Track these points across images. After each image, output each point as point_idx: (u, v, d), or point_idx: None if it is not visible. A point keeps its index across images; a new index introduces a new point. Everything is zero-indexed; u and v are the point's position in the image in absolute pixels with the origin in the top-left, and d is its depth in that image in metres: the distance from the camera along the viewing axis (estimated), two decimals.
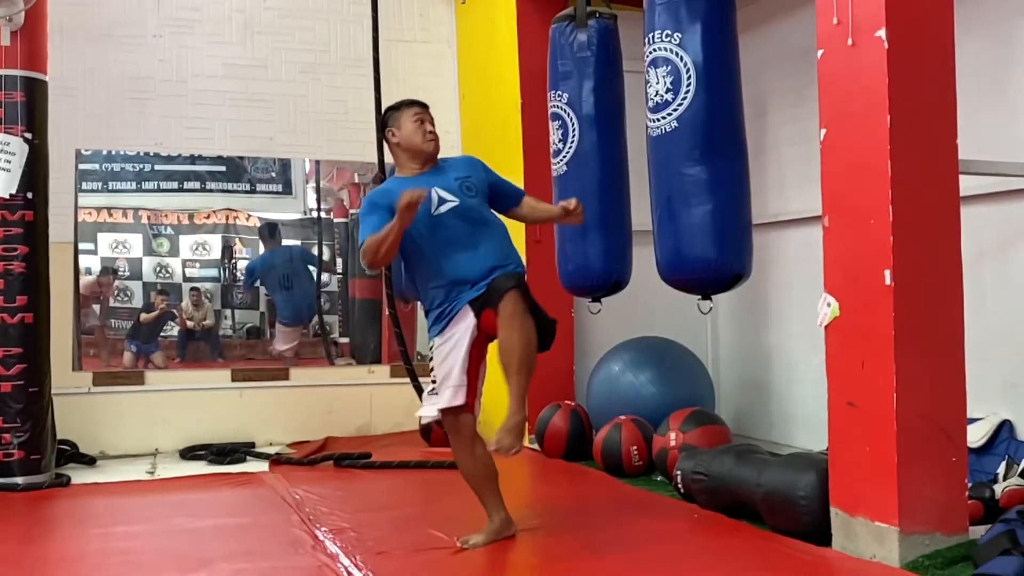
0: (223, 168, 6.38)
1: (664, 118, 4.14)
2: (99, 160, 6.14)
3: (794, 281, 5.16)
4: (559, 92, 4.98)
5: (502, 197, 3.63)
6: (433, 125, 3.54)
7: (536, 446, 5.30)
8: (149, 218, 6.31)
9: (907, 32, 3.03)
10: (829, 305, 3.21)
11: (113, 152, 6.16)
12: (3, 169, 4.77)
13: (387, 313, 5.84)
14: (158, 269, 6.32)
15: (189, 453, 5.68)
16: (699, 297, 4.32)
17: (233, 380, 6.20)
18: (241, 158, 6.40)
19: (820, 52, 3.26)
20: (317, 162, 6.62)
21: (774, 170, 5.34)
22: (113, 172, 6.18)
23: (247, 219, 6.49)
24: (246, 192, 6.45)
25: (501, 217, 3.62)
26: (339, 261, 6.72)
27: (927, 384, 3.02)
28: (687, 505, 3.89)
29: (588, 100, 4.90)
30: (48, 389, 4.91)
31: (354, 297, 6.70)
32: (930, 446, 3.01)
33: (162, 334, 6.30)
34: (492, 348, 3.42)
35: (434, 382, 3.41)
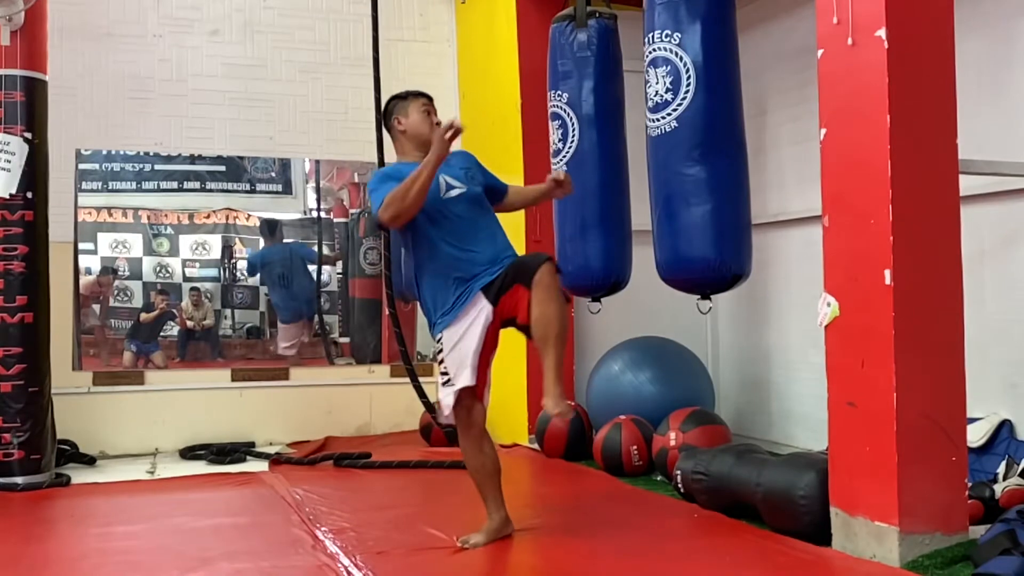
0: (223, 168, 6.38)
1: (664, 118, 4.14)
2: (99, 160, 6.14)
3: (794, 281, 5.16)
4: (559, 92, 4.98)
5: (493, 191, 3.68)
6: (438, 118, 3.60)
7: (536, 446, 5.30)
8: (149, 218, 6.31)
9: (907, 32, 3.03)
10: (829, 305, 3.21)
11: (113, 152, 6.16)
12: (3, 169, 4.77)
13: (387, 313, 5.84)
14: (158, 269, 6.32)
15: (189, 453, 5.68)
16: (698, 297, 4.32)
17: (233, 380, 6.20)
18: (241, 158, 6.40)
19: (820, 51, 3.26)
20: (317, 162, 6.62)
21: (774, 169, 5.34)
22: (113, 172, 6.18)
23: (247, 219, 6.49)
24: (246, 192, 6.46)
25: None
26: (338, 260, 6.72)
27: (927, 384, 3.02)
28: (687, 505, 3.89)
29: (588, 100, 4.90)
30: (48, 389, 4.91)
31: (354, 297, 6.70)
32: (930, 446, 3.01)
33: (162, 334, 6.30)
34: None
35: (445, 373, 3.38)
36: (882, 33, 3.00)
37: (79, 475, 5.03)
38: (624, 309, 5.37)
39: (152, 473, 5.20)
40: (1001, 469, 3.70)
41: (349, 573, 3.09)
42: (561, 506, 4.11)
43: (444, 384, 3.39)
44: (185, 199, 6.35)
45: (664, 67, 4.13)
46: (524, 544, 3.47)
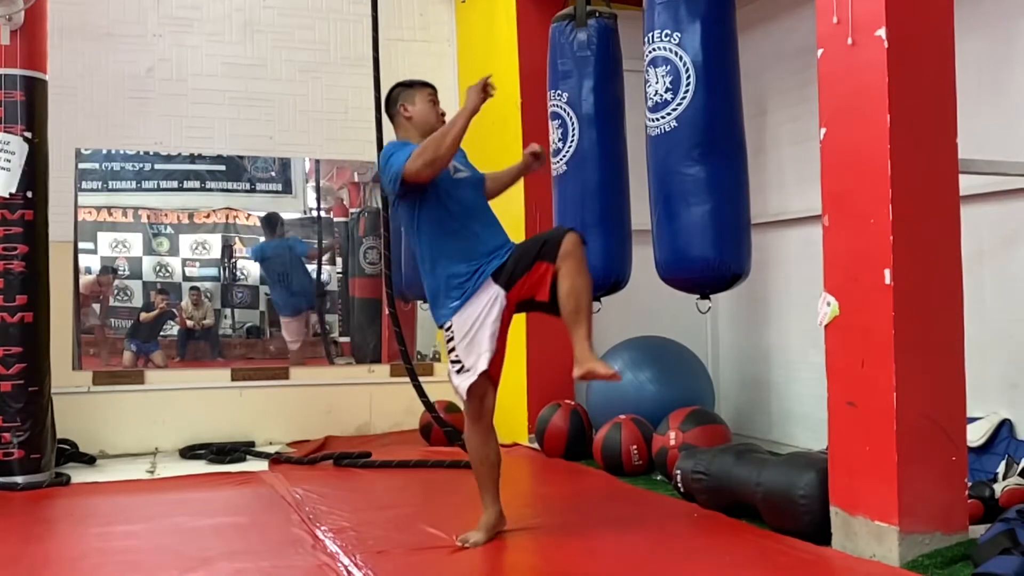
0: (223, 167, 6.38)
1: (663, 118, 4.14)
2: (99, 159, 6.14)
3: (794, 280, 5.16)
4: (559, 91, 4.98)
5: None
6: (442, 109, 3.65)
7: (536, 445, 5.30)
8: (149, 217, 6.31)
9: (907, 31, 3.03)
10: (829, 304, 3.21)
11: (113, 151, 6.16)
12: (3, 168, 4.77)
13: (387, 312, 5.84)
14: (158, 268, 6.32)
15: (189, 452, 5.68)
16: (698, 296, 4.32)
17: (233, 379, 6.21)
18: (241, 157, 6.40)
19: (820, 51, 3.26)
20: (317, 161, 6.62)
21: (774, 169, 5.34)
22: (113, 171, 6.18)
23: (247, 218, 6.49)
24: (246, 191, 6.46)
25: None
26: (338, 260, 6.72)
27: (927, 383, 3.02)
28: (687, 504, 3.89)
29: (588, 99, 4.90)
30: (48, 388, 4.91)
31: (354, 296, 6.70)
32: (930, 445, 3.01)
33: (162, 333, 6.30)
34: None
35: (458, 361, 3.34)
36: (882, 33, 3.00)
37: (79, 475, 5.04)
38: (624, 309, 5.37)
39: (152, 473, 5.20)
40: (1001, 469, 3.70)
41: (349, 573, 3.09)
42: (561, 506, 4.11)
43: (458, 372, 3.36)
44: (185, 198, 6.35)
45: (664, 67, 4.14)
46: (524, 544, 3.47)
